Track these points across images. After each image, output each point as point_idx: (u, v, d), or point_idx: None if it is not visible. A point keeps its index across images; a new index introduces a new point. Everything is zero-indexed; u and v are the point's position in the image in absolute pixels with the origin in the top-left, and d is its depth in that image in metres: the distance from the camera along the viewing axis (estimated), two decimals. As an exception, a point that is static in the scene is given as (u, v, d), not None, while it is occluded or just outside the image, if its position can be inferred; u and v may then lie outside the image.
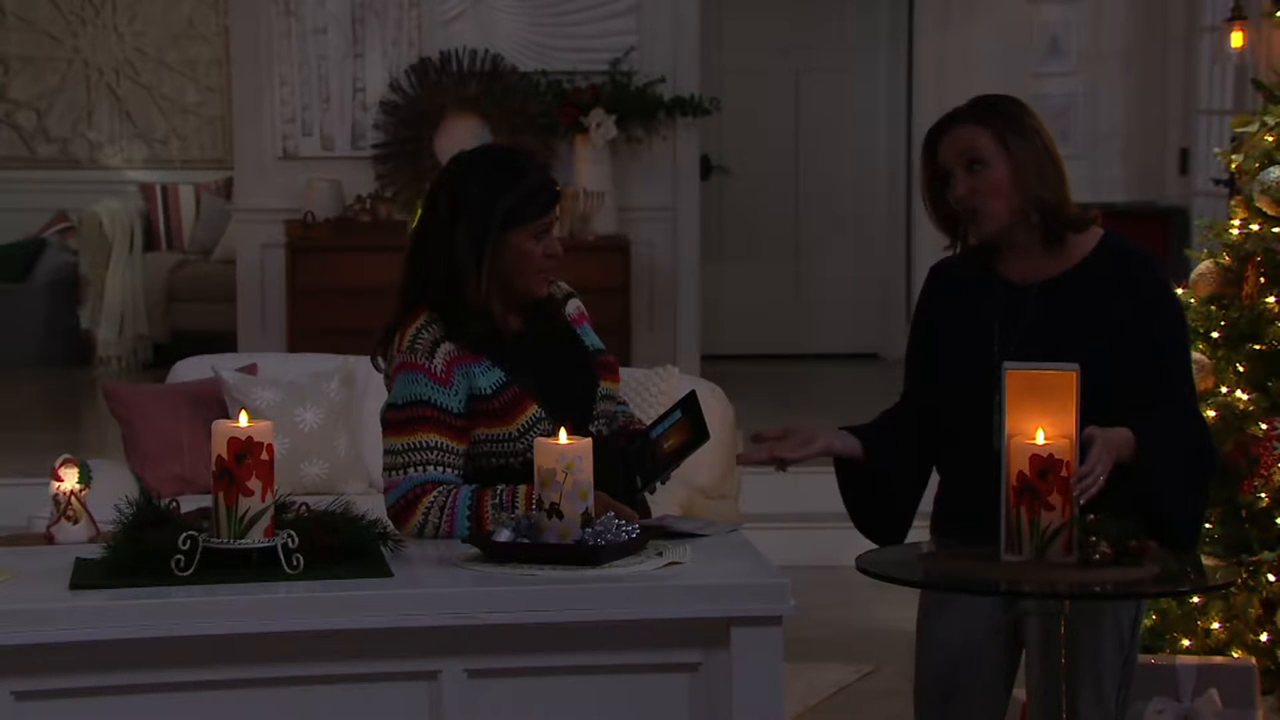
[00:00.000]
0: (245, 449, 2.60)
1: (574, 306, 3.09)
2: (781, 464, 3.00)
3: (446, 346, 2.89)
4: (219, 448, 2.60)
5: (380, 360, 2.98)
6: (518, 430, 2.90)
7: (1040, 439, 2.74)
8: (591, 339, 3.07)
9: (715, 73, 8.88)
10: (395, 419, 2.90)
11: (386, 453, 2.91)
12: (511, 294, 2.95)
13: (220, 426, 2.63)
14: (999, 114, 3.02)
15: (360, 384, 4.90)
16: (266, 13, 7.92)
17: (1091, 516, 2.76)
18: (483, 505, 2.85)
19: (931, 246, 9.89)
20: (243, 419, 2.64)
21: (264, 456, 2.61)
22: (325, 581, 2.59)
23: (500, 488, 2.86)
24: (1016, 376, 2.78)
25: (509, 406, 2.90)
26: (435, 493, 2.86)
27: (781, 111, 9.48)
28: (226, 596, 2.54)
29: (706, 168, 8.75)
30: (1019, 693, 3.47)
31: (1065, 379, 2.76)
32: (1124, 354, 2.90)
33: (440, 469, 2.87)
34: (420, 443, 2.87)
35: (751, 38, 9.41)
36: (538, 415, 2.91)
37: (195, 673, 2.54)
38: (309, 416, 4.78)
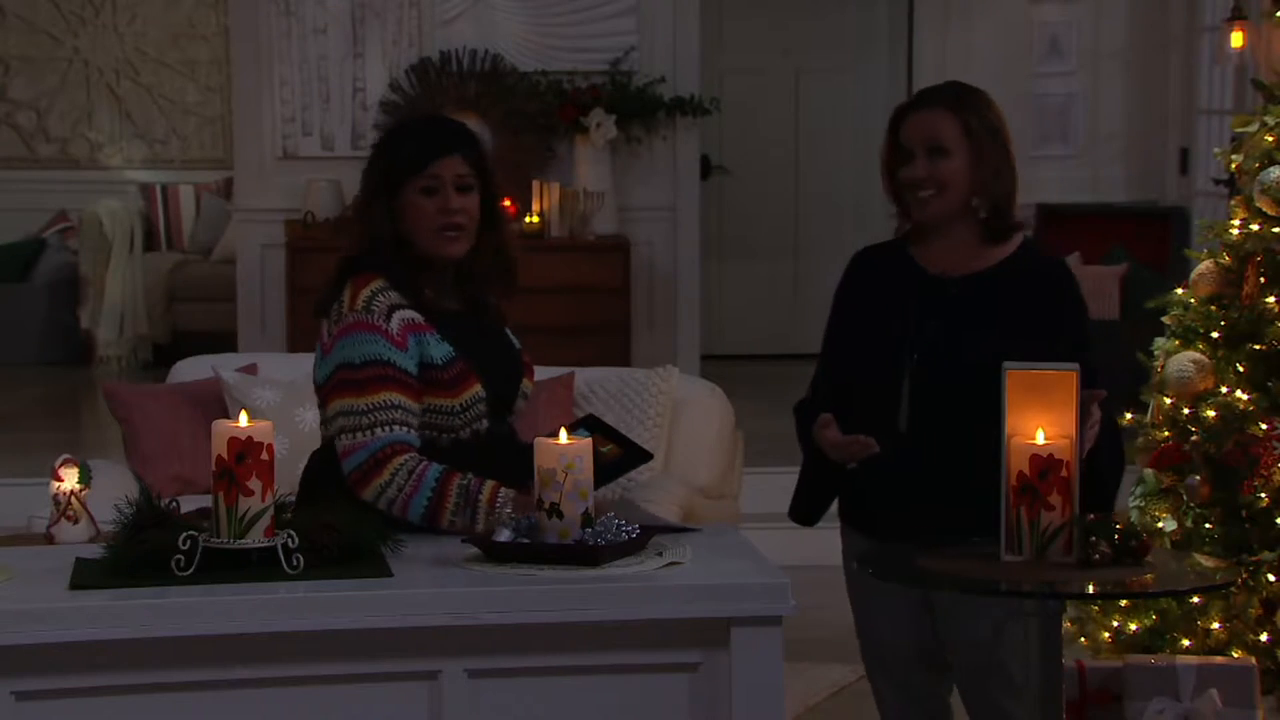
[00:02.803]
0: (245, 449, 2.60)
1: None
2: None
3: (402, 313, 2.89)
4: (219, 448, 2.60)
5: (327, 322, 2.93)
6: (460, 405, 2.91)
7: (1040, 439, 2.74)
8: (515, 339, 3.09)
9: (715, 73, 8.88)
10: (354, 379, 2.83)
11: (346, 414, 2.84)
12: (425, 260, 2.92)
13: (220, 426, 2.63)
14: (969, 105, 3.03)
15: (360, 384, 4.90)
16: (266, 13, 7.92)
17: (1091, 516, 2.76)
18: (447, 487, 2.82)
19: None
20: (243, 419, 2.64)
21: (264, 456, 2.61)
22: (325, 581, 2.60)
23: (469, 476, 2.85)
24: (1016, 376, 2.78)
25: (457, 380, 2.90)
26: (406, 457, 2.83)
27: (781, 111, 9.48)
28: (226, 597, 2.54)
29: (706, 168, 8.75)
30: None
31: (1065, 379, 2.76)
32: (1041, 352, 2.92)
33: (406, 429, 2.84)
34: (384, 401, 2.83)
35: (751, 38, 9.41)
36: (480, 394, 2.92)
37: (195, 673, 2.54)
38: (309, 416, 4.76)
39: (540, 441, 2.71)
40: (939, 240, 3.03)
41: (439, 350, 2.90)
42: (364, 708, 2.59)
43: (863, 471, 3.00)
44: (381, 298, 2.89)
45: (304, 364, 5.24)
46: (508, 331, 3.09)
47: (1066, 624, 4.06)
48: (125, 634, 2.50)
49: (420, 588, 2.62)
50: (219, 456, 2.60)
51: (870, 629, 3.16)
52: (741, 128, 9.24)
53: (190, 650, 2.53)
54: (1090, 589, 2.78)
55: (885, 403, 2.97)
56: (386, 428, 2.82)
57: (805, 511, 3.12)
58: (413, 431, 2.84)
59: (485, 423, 2.94)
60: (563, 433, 2.72)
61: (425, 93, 7.98)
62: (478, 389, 2.91)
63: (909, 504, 2.98)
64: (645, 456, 2.92)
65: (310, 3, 7.94)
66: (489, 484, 2.84)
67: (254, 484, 2.59)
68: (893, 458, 2.95)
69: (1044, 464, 2.73)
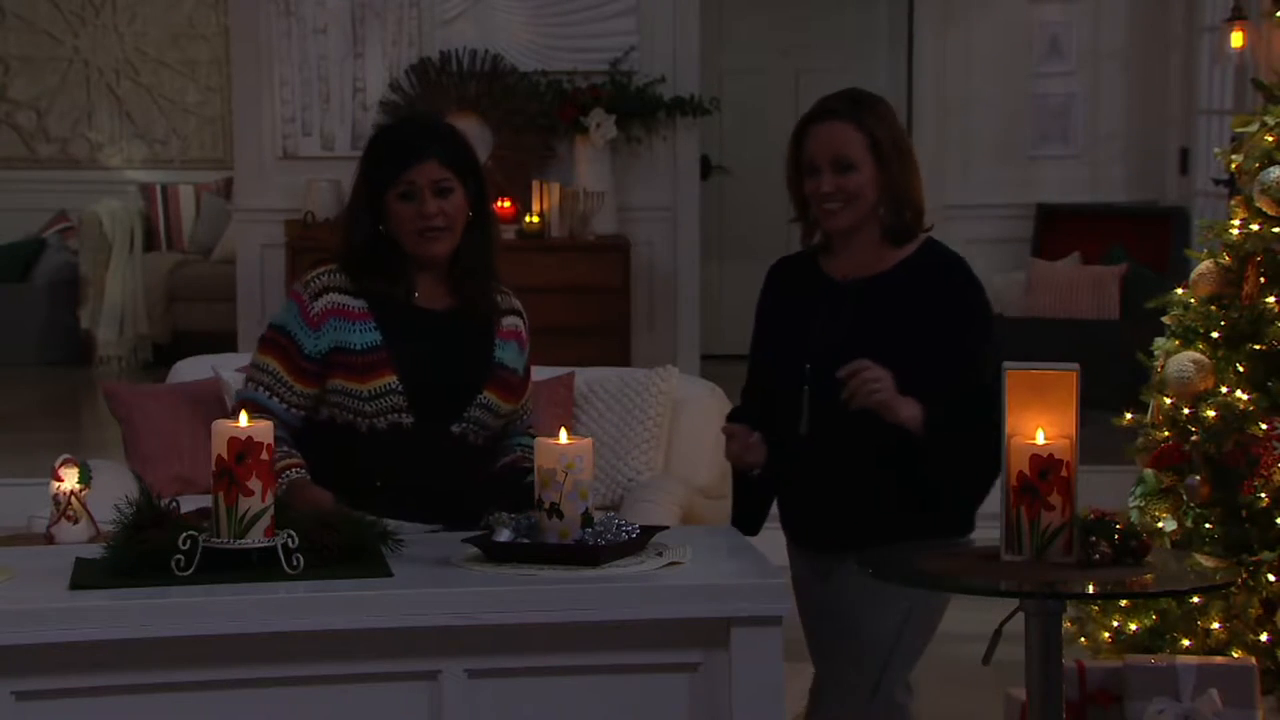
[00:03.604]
0: (245, 449, 2.60)
1: (510, 322, 3.11)
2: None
3: (332, 296, 2.99)
4: (219, 447, 2.61)
5: None
6: (368, 392, 2.95)
7: (1040, 439, 2.74)
8: (508, 355, 3.08)
9: (715, 73, 8.88)
10: (261, 336, 3.06)
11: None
12: (412, 259, 3.00)
13: (220, 426, 2.63)
14: (871, 116, 3.05)
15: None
16: (266, 12, 7.92)
17: (1090, 516, 2.76)
18: None
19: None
20: (242, 419, 2.64)
21: (264, 456, 2.61)
22: (325, 581, 2.60)
23: (283, 452, 2.89)
24: (1016, 376, 2.78)
25: (369, 367, 2.96)
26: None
27: (781, 111, 9.46)
28: (226, 597, 2.54)
29: (706, 168, 8.75)
30: (1018, 692, 3.47)
31: (1065, 379, 2.76)
32: (933, 354, 2.94)
33: (269, 394, 2.98)
34: (263, 364, 3.01)
35: (751, 38, 9.41)
36: (392, 386, 2.95)
37: (195, 673, 2.54)
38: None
39: (540, 441, 2.72)
40: (844, 247, 3.06)
41: (362, 338, 2.97)
42: (364, 708, 2.59)
43: (769, 477, 3.03)
44: (323, 278, 3.02)
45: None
46: (499, 344, 3.07)
47: (1066, 624, 4.06)
48: (125, 634, 2.50)
49: (420, 588, 2.62)
50: (219, 456, 2.60)
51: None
52: (741, 128, 9.24)
53: (190, 650, 2.53)
54: (1090, 589, 2.77)
55: (789, 409, 3.01)
56: (254, 385, 3.00)
57: (742, 520, 3.12)
58: (276, 400, 2.97)
59: (407, 417, 2.95)
60: (562, 433, 2.72)
61: (425, 93, 7.97)
62: (390, 380, 2.95)
63: (813, 508, 2.99)
64: None
65: (310, 3, 7.94)
66: (290, 466, 2.89)
67: (254, 484, 2.60)
68: (794, 463, 2.98)
69: (1044, 464, 2.73)
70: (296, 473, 2.92)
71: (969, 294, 3.04)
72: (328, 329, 2.97)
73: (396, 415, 2.96)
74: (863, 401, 2.88)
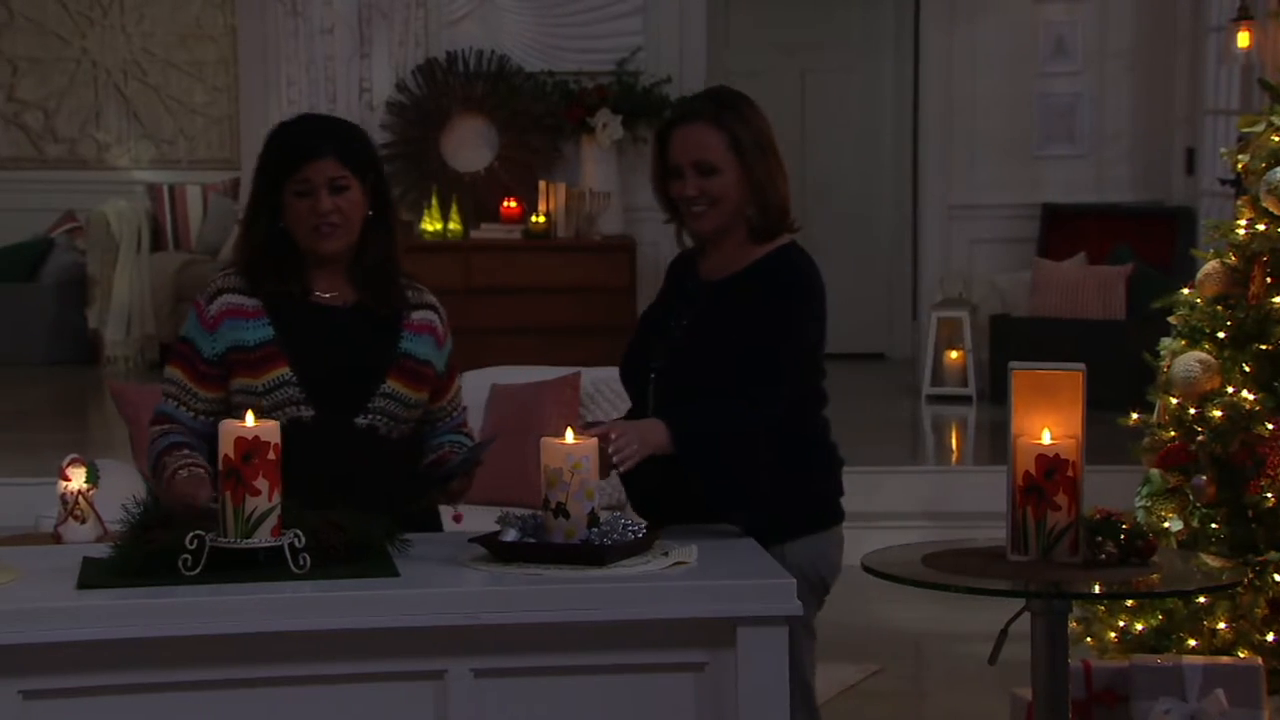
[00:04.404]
0: (252, 449, 2.60)
1: (421, 316, 3.08)
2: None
3: (227, 297, 3.02)
4: (226, 447, 2.61)
5: None
6: (262, 385, 2.96)
7: (1046, 439, 2.74)
8: (418, 348, 3.05)
9: (721, 72, 8.88)
10: (172, 350, 3.11)
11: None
12: (309, 256, 3.02)
13: (227, 426, 2.63)
14: (733, 116, 3.03)
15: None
16: (273, 13, 7.93)
17: (1096, 516, 2.76)
18: (161, 460, 2.96)
19: (940, 246, 9.77)
20: (249, 419, 2.65)
21: (270, 456, 2.62)
22: (332, 581, 2.60)
23: (186, 455, 2.93)
24: (1022, 376, 2.78)
25: (262, 361, 2.98)
26: (163, 428, 3.01)
27: (787, 111, 9.46)
28: (233, 596, 2.54)
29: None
30: (1024, 692, 3.47)
31: (1071, 379, 2.76)
32: (740, 355, 2.93)
33: (177, 404, 3.03)
34: (170, 375, 3.06)
35: (757, 37, 9.41)
36: (286, 377, 2.96)
37: (201, 672, 2.55)
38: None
39: (546, 441, 2.72)
40: (714, 247, 3.07)
41: (254, 334, 2.99)
42: (370, 707, 2.59)
43: (624, 474, 2.98)
44: (219, 281, 3.06)
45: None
46: (407, 336, 3.04)
47: (1072, 624, 4.06)
48: (132, 633, 2.51)
49: (426, 587, 2.62)
50: (226, 456, 2.61)
51: None
52: (748, 128, 9.22)
53: (197, 650, 2.53)
54: (1096, 589, 2.78)
55: (640, 406, 3.02)
56: (165, 398, 3.05)
57: (644, 507, 3.08)
58: (184, 409, 3.01)
59: (306, 410, 2.95)
60: (569, 432, 2.72)
61: (432, 93, 7.98)
62: (283, 372, 2.96)
63: (656, 502, 2.96)
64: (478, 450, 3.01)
65: (317, 3, 7.94)
66: (179, 468, 2.90)
67: (260, 483, 2.60)
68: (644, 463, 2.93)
69: (1050, 464, 2.73)
70: (189, 471, 2.90)
71: (789, 302, 2.99)
72: (223, 330, 2.99)
73: (295, 408, 2.94)
74: (630, 463, 2.82)
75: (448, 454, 3.06)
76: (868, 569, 2.85)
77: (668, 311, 3.08)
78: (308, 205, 2.98)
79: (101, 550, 2.75)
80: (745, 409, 2.93)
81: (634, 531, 2.72)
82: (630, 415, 3.06)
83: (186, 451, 2.95)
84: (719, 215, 3.01)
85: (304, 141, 3.01)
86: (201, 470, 2.91)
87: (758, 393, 2.93)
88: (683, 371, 2.98)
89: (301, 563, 2.60)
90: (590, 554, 2.67)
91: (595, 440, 2.73)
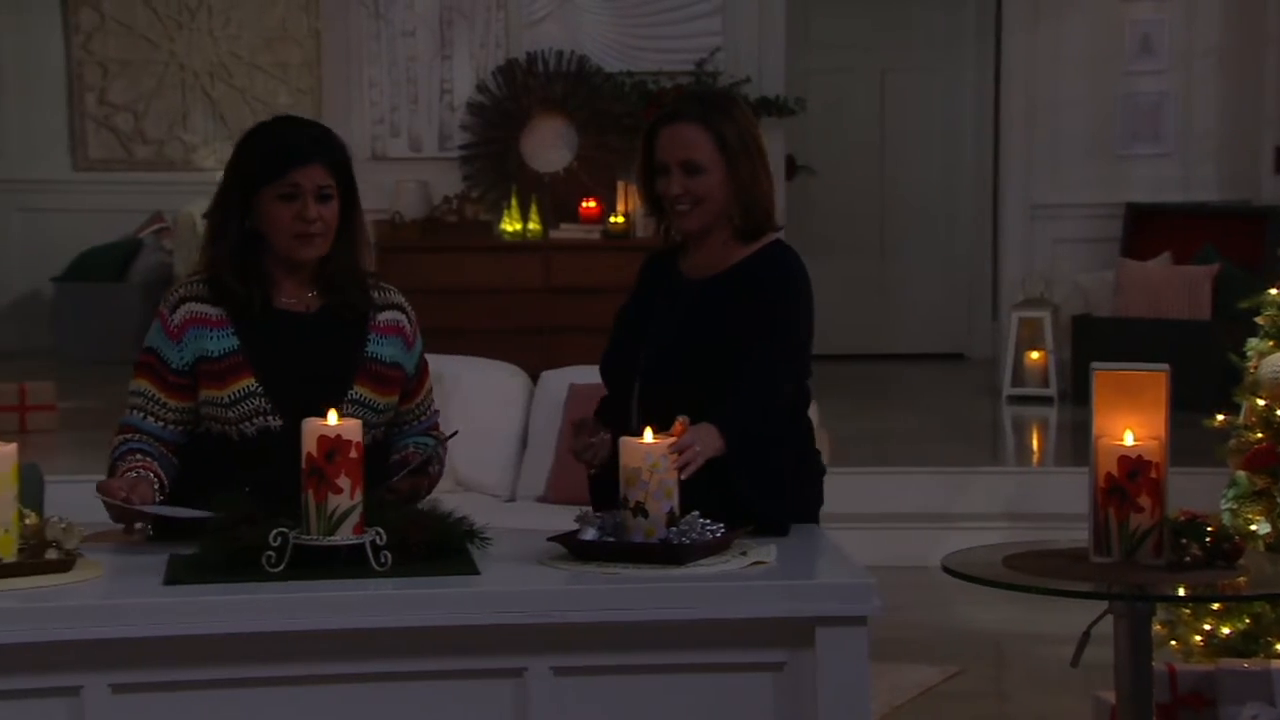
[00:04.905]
0: (334, 447, 2.63)
1: (388, 317, 3.05)
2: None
3: (190, 305, 2.99)
4: (309, 446, 2.64)
5: None
6: (228, 397, 2.94)
7: (1129, 440, 2.72)
8: (386, 350, 3.02)
9: (801, 72, 8.86)
10: (136, 360, 3.05)
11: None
12: (282, 259, 2.98)
13: (310, 425, 2.66)
14: (721, 117, 3.01)
15: (449, 383, 4.93)
16: (357, 15, 8.00)
17: (1181, 518, 2.74)
18: (115, 465, 2.95)
19: (1021, 246, 9.71)
20: (331, 418, 2.67)
21: (353, 455, 2.64)
22: (412, 579, 2.62)
23: (140, 459, 2.92)
24: (1105, 376, 2.75)
25: (227, 372, 2.95)
26: (124, 436, 2.99)
27: (867, 110, 9.43)
28: (315, 593, 2.57)
29: (791, 167, 8.73)
30: (1107, 694, 3.44)
31: (1155, 379, 2.74)
32: (736, 356, 2.92)
33: (144, 415, 3.00)
34: (137, 388, 3.02)
35: (837, 37, 9.38)
36: (251, 388, 2.93)
37: (284, 668, 2.57)
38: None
39: (625, 441, 2.72)
40: (698, 246, 3.06)
41: (219, 344, 2.96)
42: (450, 704, 2.61)
43: (603, 474, 2.98)
44: (181, 290, 3.03)
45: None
46: (373, 339, 3.01)
47: (1157, 627, 4.02)
48: (217, 629, 2.53)
49: (506, 585, 2.63)
50: (309, 454, 2.63)
51: None
52: (827, 127, 9.20)
53: (280, 646, 2.56)
54: (1181, 591, 2.75)
55: (626, 405, 3.01)
56: (130, 410, 3.02)
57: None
58: (151, 419, 3.00)
59: (275, 420, 2.93)
60: (647, 432, 2.73)
61: (511, 93, 8.02)
62: (249, 383, 2.93)
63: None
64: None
65: (400, 6, 8.01)
66: (128, 469, 2.90)
67: (343, 482, 2.62)
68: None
69: (1133, 465, 2.70)
70: (137, 473, 2.90)
71: (782, 302, 2.99)
72: (188, 339, 2.96)
73: (263, 419, 2.93)
74: (692, 469, 2.79)
75: (410, 456, 3.02)
76: (948, 570, 2.84)
77: (649, 310, 3.07)
78: (293, 210, 2.94)
79: (188, 548, 2.78)
80: (773, 408, 2.93)
81: (712, 531, 2.72)
82: (611, 412, 3.04)
83: (140, 457, 2.93)
84: (704, 214, 3.01)
85: (296, 145, 2.96)
86: (150, 475, 2.90)
87: (768, 392, 2.93)
88: (672, 368, 2.98)
89: (383, 560, 2.62)
90: (669, 553, 2.67)
91: (674, 440, 2.73)
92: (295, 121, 3.05)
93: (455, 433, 3.02)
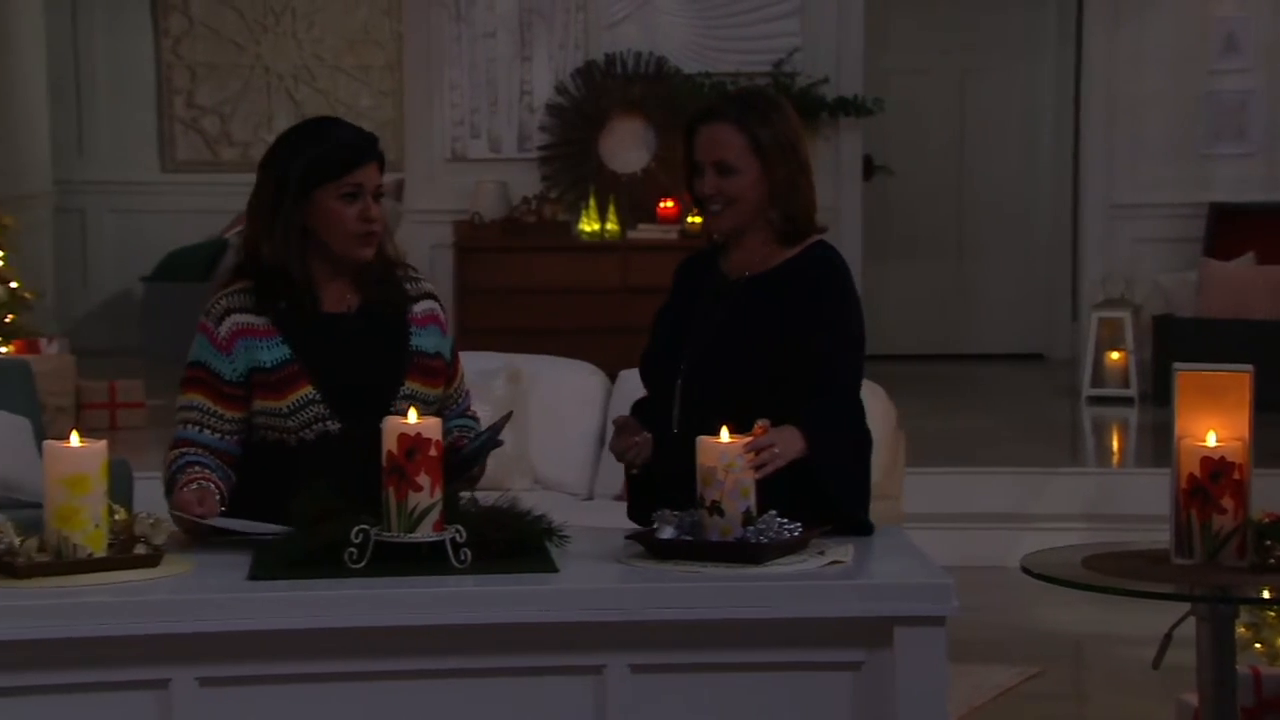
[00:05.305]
0: (414, 445, 2.65)
1: (424, 308, 3.06)
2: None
3: (236, 317, 2.96)
4: (389, 444, 2.67)
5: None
6: (287, 407, 2.93)
7: (1211, 441, 2.70)
8: (427, 341, 3.03)
9: (879, 73, 8.83)
10: (183, 376, 3.02)
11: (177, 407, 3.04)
12: (332, 260, 2.96)
13: (390, 423, 2.69)
14: (757, 118, 3.00)
15: (526, 382, 4.97)
16: (438, 18, 8.06)
17: (1265, 520, 2.71)
18: (174, 478, 2.93)
19: (1102, 246, 9.63)
20: (411, 416, 2.70)
21: (432, 453, 2.67)
22: (492, 576, 2.64)
23: (199, 473, 2.91)
24: (1187, 377, 2.73)
25: (284, 382, 2.93)
26: (180, 450, 2.96)
27: (946, 111, 9.39)
28: (396, 590, 2.59)
29: (869, 168, 8.70)
30: (1190, 697, 3.41)
31: (1238, 380, 2.72)
32: (798, 349, 2.90)
33: (199, 429, 2.96)
34: (189, 402, 2.98)
35: (916, 37, 9.34)
36: (310, 396, 2.93)
37: (365, 663, 2.60)
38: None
39: (702, 440, 2.73)
40: (737, 245, 3.05)
41: (271, 354, 2.95)
42: (529, 701, 2.63)
43: (644, 474, 2.99)
44: (224, 301, 2.98)
45: (471, 362, 5.33)
46: (415, 332, 3.03)
47: (1241, 629, 3.97)
48: (300, 624, 2.57)
49: (585, 583, 2.65)
50: (389, 452, 2.66)
51: None
52: (905, 128, 9.17)
53: (361, 641, 2.59)
54: (1265, 594, 2.72)
55: (666, 406, 3.00)
56: (184, 425, 2.98)
57: (639, 514, 3.06)
58: (208, 432, 2.96)
59: (331, 424, 2.93)
60: (724, 431, 2.74)
61: (590, 95, 8.05)
62: (307, 391, 2.93)
63: (682, 507, 2.87)
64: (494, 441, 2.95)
65: (480, 8, 8.06)
66: (189, 482, 2.89)
67: (423, 479, 2.65)
68: (667, 460, 2.94)
69: (1215, 466, 2.68)
70: (199, 485, 2.89)
71: (834, 302, 2.98)
72: (239, 351, 2.95)
73: (321, 424, 2.93)
74: (769, 469, 2.79)
75: (459, 440, 3.02)
76: (1027, 571, 2.83)
77: (688, 310, 3.06)
78: (357, 210, 2.94)
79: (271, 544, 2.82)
80: (852, 410, 2.93)
81: (790, 530, 2.73)
82: (650, 412, 3.04)
83: (198, 469, 2.93)
84: (735, 215, 3.01)
85: (355, 144, 2.97)
86: (212, 486, 2.91)
87: (846, 394, 2.94)
88: (715, 367, 2.97)
89: (463, 557, 2.65)
90: (746, 552, 2.68)
91: (750, 439, 2.74)
92: (338, 121, 3.05)
93: (510, 414, 3.04)
